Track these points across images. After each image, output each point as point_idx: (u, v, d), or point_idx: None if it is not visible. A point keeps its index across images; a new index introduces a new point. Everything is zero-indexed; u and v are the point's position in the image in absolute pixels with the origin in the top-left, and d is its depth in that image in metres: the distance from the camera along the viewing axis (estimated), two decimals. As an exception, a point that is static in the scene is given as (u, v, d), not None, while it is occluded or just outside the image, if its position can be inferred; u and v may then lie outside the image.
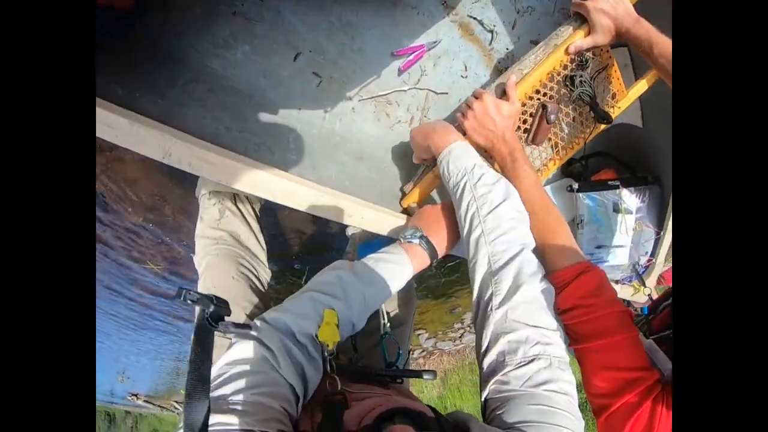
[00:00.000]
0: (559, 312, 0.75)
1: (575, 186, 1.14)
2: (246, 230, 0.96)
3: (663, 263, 1.21)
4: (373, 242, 1.13)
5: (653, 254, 1.22)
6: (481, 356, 0.66)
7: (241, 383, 0.50)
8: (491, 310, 0.66)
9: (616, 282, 1.24)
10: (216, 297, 0.46)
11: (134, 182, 1.43)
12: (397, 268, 0.73)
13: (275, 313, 0.61)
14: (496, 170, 0.88)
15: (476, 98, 0.86)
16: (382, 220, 0.85)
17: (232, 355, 0.55)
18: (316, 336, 0.61)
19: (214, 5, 0.86)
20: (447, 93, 1.03)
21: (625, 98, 0.97)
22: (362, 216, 0.83)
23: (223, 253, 0.91)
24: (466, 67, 1.02)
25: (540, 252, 0.80)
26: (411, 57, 0.95)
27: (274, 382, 0.54)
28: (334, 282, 0.67)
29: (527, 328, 0.63)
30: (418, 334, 3.01)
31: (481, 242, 0.72)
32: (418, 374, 0.83)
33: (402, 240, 0.78)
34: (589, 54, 0.90)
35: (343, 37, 0.92)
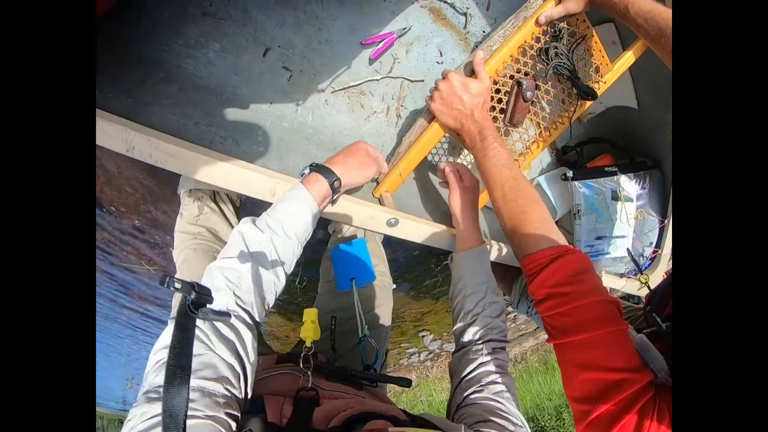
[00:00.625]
0: (535, 302, 0.69)
1: (570, 174, 1.07)
2: (225, 227, 0.96)
3: (669, 254, 1.11)
4: (347, 245, 1.11)
5: (658, 245, 1.12)
6: (459, 378, 0.74)
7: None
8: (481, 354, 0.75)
9: (621, 276, 1.15)
10: (198, 284, 0.45)
11: (124, 184, 1.48)
12: (293, 203, 0.71)
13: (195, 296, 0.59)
14: (468, 149, 0.85)
15: (443, 78, 0.84)
16: (346, 207, 0.82)
17: (164, 339, 0.53)
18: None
19: (184, 8, 0.88)
20: (423, 80, 1.00)
21: (611, 72, 0.92)
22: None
23: (200, 248, 0.91)
24: (441, 53, 0.99)
25: (510, 237, 0.75)
26: (380, 45, 0.94)
27: (210, 363, 0.51)
28: (238, 242, 0.65)
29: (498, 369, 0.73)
30: (422, 336, 2.92)
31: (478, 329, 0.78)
32: (393, 380, 0.83)
33: (299, 179, 0.77)
34: (563, 24, 0.86)
35: (309, 30, 0.92)
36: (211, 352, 0.52)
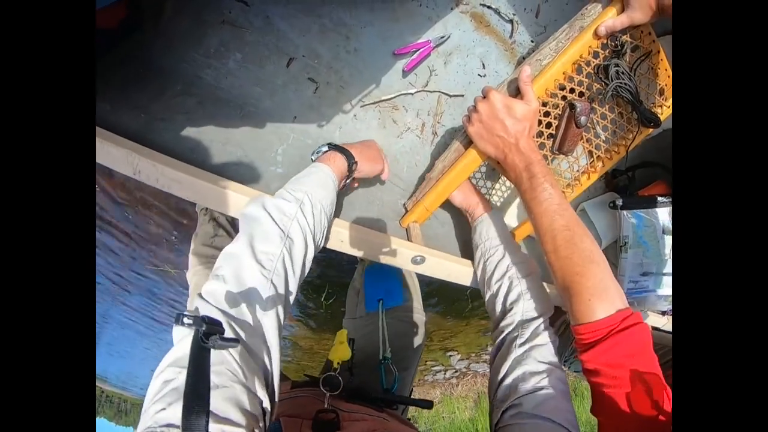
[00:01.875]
0: (584, 369, 0.63)
1: (619, 202, 0.95)
2: None
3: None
4: (381, 265, 1.04)
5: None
6: (496, 384, 0.64)
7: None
8: (515, 347, 0.65)
9: (663, 313, 1.03)
10: (208, 317, 0.40)
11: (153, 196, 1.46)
12: (314, 175, 0.68)
13: (216, 286, 0.51)
14: (512, 182, 0.74)
15: (483, 97, 0.73)
16: (370, 240, 0.73)
17: (169, 357, 0.45)
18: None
19: (202, 16, 0.81)
20: (463, 95, 0.89)
21: (679, 93, 0.78)
22: (341, 239, 0.72)
23: None
24: (483, 65, 0.88)
25: (563, 296, 0.66)
26: (415, 55, 0.83)
27: (237, 400, 0.43)
28: (264, 220, 0.58)
29: (539, 364, 0.62)
30: (450, 356, 2.84)
31: (520, 301, 0.70)
32: (415, 402, 0.79)
33: (312, 158, 0.74)
34: (626, 37, 0.73)
35: (337, 39, 0.83)
36: (238, 384, 0.44)
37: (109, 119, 0.74)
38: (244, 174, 0.76)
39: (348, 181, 0.75)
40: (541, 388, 0.59)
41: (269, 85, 0.83)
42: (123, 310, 2.47)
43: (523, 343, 0.65)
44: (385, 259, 0.76)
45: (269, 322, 0.50)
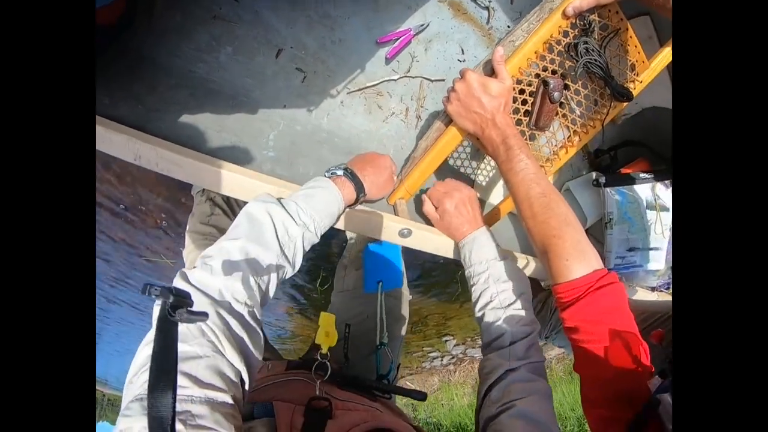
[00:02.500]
0: (565, 327, 0.67)
1: (602, 180, 0.98)
2: None
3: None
4: (383, 244, 1.06)
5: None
6: (485, 388, 0.69)
7: (184, 375, 0.43)
8: (506, 369, 0.69)
9: (652, 289, 1.06)
10: (176, 288, 0.41)
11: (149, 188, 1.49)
12: (328, 194, 0.69)
13: (203, 274, 0.52)
14: (490, 157, 0.78)
15: (461, 78, 0.77)
16: (357, 215, 0.77)
17: (183, 332, 0.46)
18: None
19: (193, 11, 0.84)
20: (443, 80, 0.93)
21: (648, 70, 0.82)
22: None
23: None
24: (462, 50, 0.92)
25: (542, 259, 0.71)
26: (396, 43, 0.87)
27: (218, 369, 0.46)
28: (267, 228, 0.60)
29: (530, 375, 0.69)
30: (446, 341, 2.85)
31: (505, 334, 0.73)
32: (409, 393, 0.80)
33: (326, 174, 0.75)
34: (594, 16, 0.77)
35: (322, 30, 0.87)
36: (219, 354, 0.47)
37: (107, 112, 0.77)
38: (238, 158, 0.80)
39: (349, 208, 0.77)
40: (532, 393, 0.65)
41: (259, 76, 0.87)
42: (121, 306, 2.48)
43: (515, 365, 0.69)
44: (373, 233, 0.79)
45: (248, 321, 0.52)
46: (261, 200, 0.63)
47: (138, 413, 0.39)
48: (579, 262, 0.65)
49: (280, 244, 0.59)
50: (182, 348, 0.44)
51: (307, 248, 0.66)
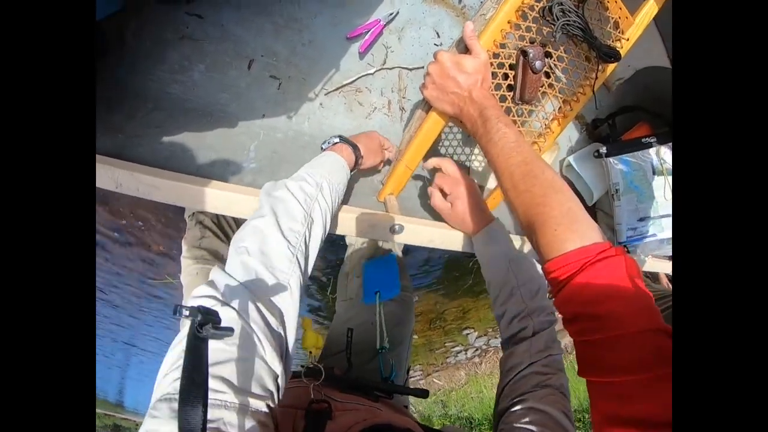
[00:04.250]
0: (563, 322, 0.54)
1: (603, 150, 0.92)
2: (226, 249, 0.92)
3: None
4: (379, 259, 1.04)
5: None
6: (504, 384, 0.67)
7: (222, 380, 0.40)
8: (528, 355, 0.66)
9: (669, 258, 0.98)
10: (202, 306, 0.40)
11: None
12: (330, 159, 0.70)
13: (240, 258, 0.50)
14: (472, 135, 0.73)
15: (434, 60, 0.73)
16: (345, 217, 0.74)
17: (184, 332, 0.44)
18: None
19: (162, 35, 0.83)
20: (422, 67, 0.89)
21: (633, 26, 0.77)
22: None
23: (202, 272, 0.87)
24: (438, 34, 0.88)
25: (528, 236, 0.60)
26: (367, 36, 0.84)
27: (258, 375, 0.43)
28: (288, 199, 0.58)
29: (546, 368, 0.65)
30: (467, 334, 2.77)
31: (525, 319, 0.70)
32: (409, 391, 0.77)
33: (322, 146, 0.76)
34: (566, -24, 0.72)
35: (290, 34, 0.84)
36: (259, 359, 0.44)
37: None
38: (218, 173, 0.78)
39: (352, 173, 0.76)
40: (546, 386, 0.62)
41: (234, 89, 0.85)
42: (145, 337, 2.51)
43: (536, 359, 0.66)
44: (365, 233, 0.76)
45: (290, 298, 0.50)
46: (271, 182, 0.63)
47: (166, 415, 0.37)
48: (571, 231, 0.53)
49: (303, 207, 0.58)
50: (222, 347, 0.42)
51: (335, 202, 0.65)
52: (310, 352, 0.76)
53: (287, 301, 0.49)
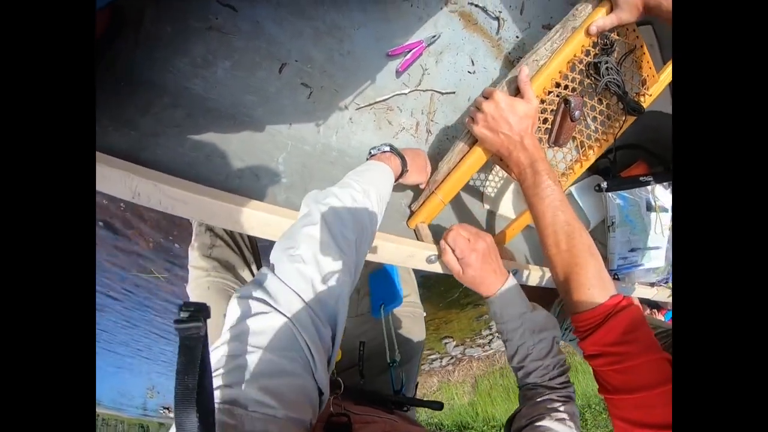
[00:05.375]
0: (586, 356, 0.65)
1: (604, 185, 0.98)
2: (240, 260, 0.86)
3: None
4: (379, 271, 1.03)
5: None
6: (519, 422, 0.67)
7: (270, 393, 0.38)
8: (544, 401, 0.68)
9: (651, 285, 1.09)
10: (194, 303, 0.36)
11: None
12: (377, 168, 0.69)
13: (295, 266, 0.47)
14: (513, 178, 0.75)
15: (486, 98, 0.72)
16: (382, 245, 0.72)
17: (273, 340, 0.41)
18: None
19: (186, 22, 0.74)
20: (454, 92, 0.88)
21: (657, 83, 0.81)
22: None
23: (214, 286, 0.81)
24: (472, 62, 0.87)
25: (562, 289, 0.69)
26: (408, 56, 0.81)
27: (307, 390, 0.41)
28: (344, 214, 0.56)
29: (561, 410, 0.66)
30: (445, 343, 2.90)
31: (541, 371, 0.72)
32: (425, 404, 0.80)
33: (372, 152, 0.75)
34: (615, 35, 0.75)
35: (329, 42, 0.79)
36: (308, 374, 0.41)
37: (97, 139, 0.67)
38: (248, 187, 0.72)
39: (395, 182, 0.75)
40: (559, 411, 0.65)
41: (261, 93, 0.79)
42: (112, 321, 2.29)
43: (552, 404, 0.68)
44: (403, 261, 0.74)
45: (342, 310, 0.48)
46: (317, 191, 0.60)
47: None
48: (600, 290, 0.65)
49: (353, 214, 0.56)
50: (273, 359, 0.39)
51: (381, 210, 0.64)
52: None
53: (340, 312, 0.48)
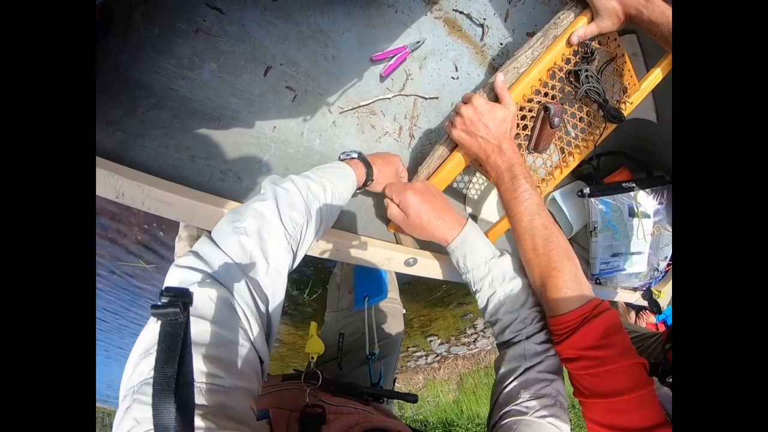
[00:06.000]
0: (563, 359, 0.65)
1: (587, 191, 0.99)
2: None
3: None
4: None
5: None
6: (500, 390, 0.65)
7: (216, 364, 0.38)
8: (523, 359, 0.66)
9: (634, 290, 1.09)
10: (175, 288, 0.35)
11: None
12: (341, 169, 0.69)
13: (237, 238, 0.48)
14: (492, 182, 0.76)
15: (465, 103, 0.73)
16: (362, 248, 0.73)
17: (214, 311, 0.41)
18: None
19: (174, 24, 0.75)
20: (437, 97, 0.89)
21: (638, 92, 0.82)
22: (337, 248, 0.71)
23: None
24: (456, 68, 0.88)
25: (539, 292, 0.68)
26: (392, 61, 0.82)
27: (250, 359, 0.42)
28: (293, 191, 0.58)
29: (544, 374, 0.65)
30: (430, 341, 2.91)
31: (517, 325, 0.69)
32: (400, 396, 0.81)
33: (341, 157, 0.76)
34: (595, 44, 0.75)
35: (314, 46, 0.80)
36: (249, 342, 0.43)
37: (81, 138, 0.68)
38: (232, 189, 0.73)
39: (359, 191, 0.77)
40: (542, 396, 0.61)
41: (246, 96, 0.80)
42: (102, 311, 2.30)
43: (532, 360, 0.66)
44: (381, 264, 0.75)
45: (280, 286, 0.50)
46: (277, 176, 0.62)
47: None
48: (576, 293, 0.65)
49: (305, 201, 0.58)
50: (213, 330, 0.40)
51: (334, 209, 0.64)
52: (313, 358, 0.77)
53: (277, 288, 0.49)
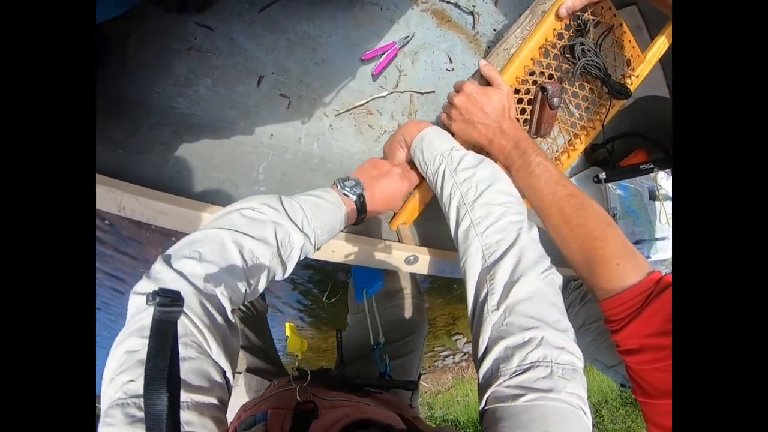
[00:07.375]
0: (622, 351, 0.53)
1: (602, 176, 0.92)
2: None
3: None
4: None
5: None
6: (477, 364, 0.48)
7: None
8: (487, 312, 0.48)
9: None
10: (163, 289, 0.35)
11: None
12: (335, 211, 0.63)
13: (190, 262, 0.46)
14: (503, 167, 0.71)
15: (457, 92, 0.70)
16: (362, 247, 0.71)
17: (144, 326, 0.41)
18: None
19: (168, 45, 0.77)
20: (434, 91, 0.86)
21: (644, 63, 0.76)
22: (332, 249, 0.69)
23: None
24: (450, 59, 0.85)
25: (584, 272, 0.57)
26: (382, 59, 0.81)
27: (205, 371, 0.42)
28: (269, 237, 0.54)
29: (525, 332, 0.45)
30: (456, 339, 2.82)
31: (471, 234, 0.55)
32: (397, 384, 0.76)
33: (339, 187, 0.67)
34: (588, 15, 0.71)
35: (303, 52, 0.80)
36: (205, 356, 0.42)
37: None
38: (227, 197, 0.74)
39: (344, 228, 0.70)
40: (528, 367, 0.43)
41: (242, 106, 0.80)
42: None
43: (498, 304, 0.48)
44: (380, 264, 0.73)
45: (232, 313, 0.49)
46: (266, 198, 0.58)
47: (121, 422, 0.35)
48: (632, 265, 0.53)
49: (278, 244, 0.54)
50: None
51: (302, 257, 0.60)
52: (297, 356, 0.78)
53: (228, 321, 0.48)
